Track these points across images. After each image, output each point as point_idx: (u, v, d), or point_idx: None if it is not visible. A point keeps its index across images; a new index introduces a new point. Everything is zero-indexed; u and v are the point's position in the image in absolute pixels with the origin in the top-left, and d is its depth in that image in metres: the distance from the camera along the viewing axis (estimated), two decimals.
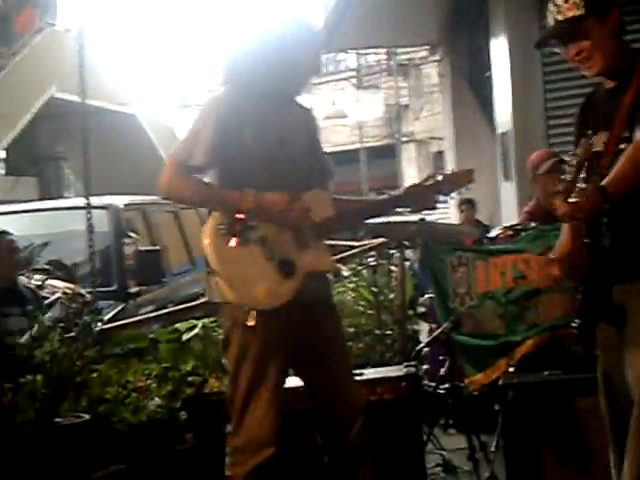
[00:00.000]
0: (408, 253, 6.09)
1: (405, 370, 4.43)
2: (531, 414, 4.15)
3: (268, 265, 3.25)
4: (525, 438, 4.14)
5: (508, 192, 8.59)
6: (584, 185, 2.85)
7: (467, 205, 8.98)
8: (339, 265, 6.41)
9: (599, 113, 3.21)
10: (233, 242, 3.22)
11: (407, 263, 6.02)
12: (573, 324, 3.12)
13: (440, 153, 14.79)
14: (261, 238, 3.28)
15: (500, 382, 4.39)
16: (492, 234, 5.66)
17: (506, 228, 5.31)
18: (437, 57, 10.47)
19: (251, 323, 3.20)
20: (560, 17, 3.13)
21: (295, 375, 3.59)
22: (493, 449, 4.79)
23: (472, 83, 9.77)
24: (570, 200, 2.84)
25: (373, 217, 3.88)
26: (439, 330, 4.76)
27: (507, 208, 8.62)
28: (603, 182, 2.87)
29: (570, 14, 3.10)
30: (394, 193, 3.79)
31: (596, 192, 2.85)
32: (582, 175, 2.86)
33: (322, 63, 3.62)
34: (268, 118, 3.37)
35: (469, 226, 8.44)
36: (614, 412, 3.15)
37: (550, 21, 3.19)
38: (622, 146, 3.00)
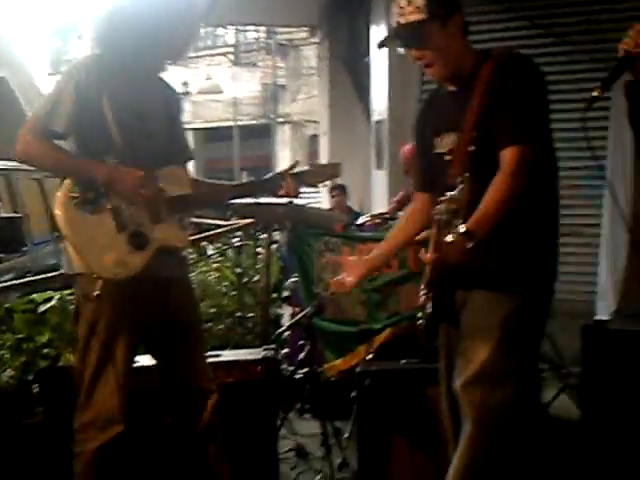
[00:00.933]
0: (275, 235, 6.05)
1: (263, 353, 4.40)
2: (385, 401, 4.19)
3: (119, 236, 3.22)
4: (378, 425, 4.19)
5: (380, 180, 8.64)
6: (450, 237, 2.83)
7: (338, 191, 8.98)
8: (204, 244, 6.35)
9: (443, 115, 3.22)
10: (85, 211, 3.17)
11: (274, 246, 5.98)
12: (418, 318, 3.14)
13: (315, 136, 14.78)
14: (115, 208, 3.23)
15: (358, 369, 4.40)
16: (360, 221, 5.68)
17: (374, 216, 5.35)
18: (317, 39, 10.42)
19: (97, 292, 3.15)
20: (402, 20, 3.09)
21: (147, 353, 3.58)
22: (347, 435, 4.83)
23: (350, 68, 9.78)
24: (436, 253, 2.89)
25: (235, 199, 3.83)
26: (301, 314, 4.73)
27: (378, 196, 8.68)
28: (468, 224, 2.85)
29: (412, 18, 3.06)
30: (258, 179, 3.74)
31: (462, 239, 2.82)
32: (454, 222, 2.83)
33: (198, 36, 3.57)
34: (130, 89, 3.30)
35: (339, 212, 8.47)
36: (454, 411, 3.21)
37: (393, 23, 3.16)
38: (471, 148, 3.02)
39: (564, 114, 7.45)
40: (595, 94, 2.66)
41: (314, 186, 3.68)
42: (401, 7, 3.09)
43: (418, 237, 3.36)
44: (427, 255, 2.93)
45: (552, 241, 3.22)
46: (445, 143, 3.18)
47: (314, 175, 3.62)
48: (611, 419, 4.51)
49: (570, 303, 7.14)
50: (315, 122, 16.26)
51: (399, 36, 3.16)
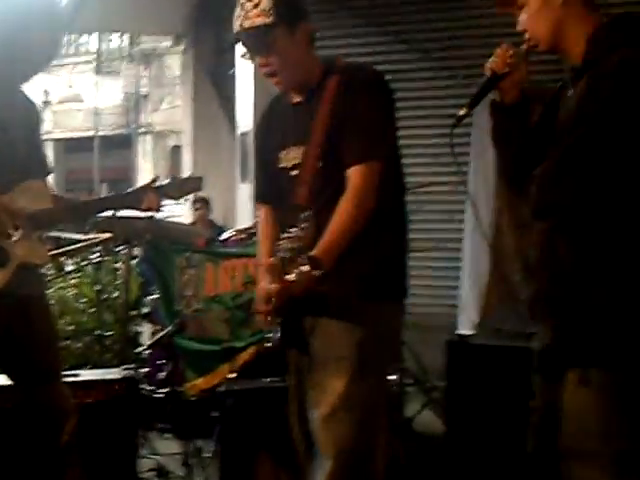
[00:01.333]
0: (135, 250, 5.91)
1: (122, 373, 4.31)
2: (248, 420, 4.16)
3: None
4: (241, 444, 4.15)
5: (244, 193, 8.56)
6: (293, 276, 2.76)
7: (201, 204, 8.89)
8: (62, 259, 6.18)
9: (288, 126, 3.11)
10: None
11: (134, 261, 5.83)
12: (267, 341, 3.08)
13: (178, 147, 14.63)
14: None
15: (220, 388, 4.36)
16: (224, 236, 5.61)
17: (239, 231, 5.28)
18: (181, 48, 10.31)
19: None
20: (247, 24, 2.93)
21: (2, 372, 3.49)
22: (208, 455, 4.75)
23: (215, 79, 9.70)
24: (285, 280, 2.77)
25: (95, 214, 3.72)
26: (162, 333, 4.63)
27: (243, 210, 8.60)
28: (316, 252, 2.78)
29: (258, 22, 2.91)
30: (119, 192, 3.68)
31: (307, 272, 2.75)
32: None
33: (61, 46, 3.44)
34: None
35: (202, 226, 8.38)
36: (306, 432, 3.15)
37: (237, 27, 2.97)
38: (318, 164, 2.96)
39: (426, 130, 7.62)
40: (462, 113, 2.64)
41: (176, 199, 3.59)
42: (246, 10, 2.94)
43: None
44: (272, 286, 2.82)
45: (401, 261, 3.17)
46: (291, 157, 3.07)
47: (176, 188, 3.54)
48: (475, 433, 4.57)
49: (433, 317, 7.27)
50: (178, 133, 16.10)
51: (243, 41, 3.01)
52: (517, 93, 2.67)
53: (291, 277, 2.72)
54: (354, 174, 2.92)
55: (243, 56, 3.11)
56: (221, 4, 9.00)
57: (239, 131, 8.82)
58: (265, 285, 2.90)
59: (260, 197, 3.32)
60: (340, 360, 2.97)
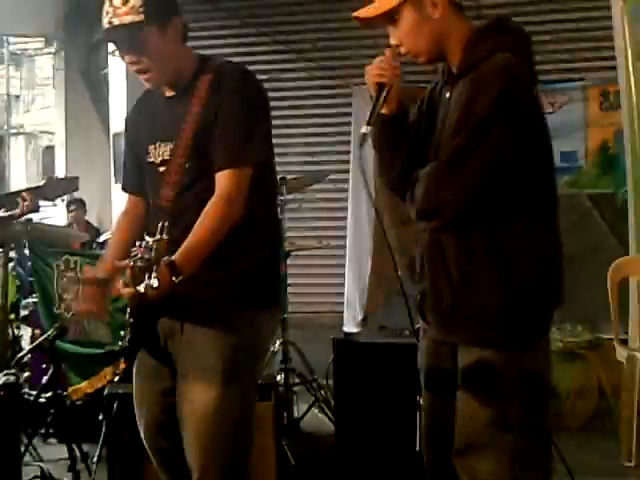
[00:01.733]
0: (12, 253, 5.81)
1: (3, 378, 4.21)
2: (134, 423, 4.09)
3: None
4: (128, 447, 4.03)
5: (119, 194, 8.46)
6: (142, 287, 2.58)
7: (77, 205, 8.75)
8: None
9: (158, 120, 3.06)
10: None
11: (11, 264, 5.74)
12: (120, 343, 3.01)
13: (51, 148, 14.37)
14: None
15: (105, 391, 4.30)
16: (102, 238, 5.56)
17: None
18: (53, 49, 10.14)
19: None
20: (116, 21, 2.83)
21: None
22: (95, 459, 4.72)
23: (88, 80, 9.58)
24: (140, 289, 2.56)
25: None
26: (42, 337, 4.56)
27: (118, 210, 8.49)
28: (177, 257, 2.67)
29: (127, 19, 2.82)
30: None
31: (166, 273, 2.60)
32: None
33: None
34: None
35: (78, 227, 8.27)
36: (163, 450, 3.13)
37: (105, 24, 2.87)
38: (187, 164, 2.92)
39: (304, 129, 7.71)
40: (365, 131, 2.66)
41: (51, 200, 3.54)
42: (115, 7, 2.84)
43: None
44: (124, 289, 2.64)
45: (272, 268, 3.10)
46: (159, 153, 3.00)
47: (51, 189, 3.50)
48: (363, 431, 4.61)
49: (320, 316, 7.34)
50: (50, 133, 15.81)
51: (112, 39, 2.91)
52: (398, 103, 2.74)
53: (140, 288, 2.55)
54: (223, 179, 2.86)
55: (112, 53, 2.98)
56: (91, 4, 8.90)
57: (112, 131, 8.74)
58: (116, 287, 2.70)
59: (127, 187, 3.26)
60: (206, 370, 2.89)
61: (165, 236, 2.52)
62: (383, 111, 2.72)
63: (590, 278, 5.72)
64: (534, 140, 2.60)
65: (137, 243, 2.55)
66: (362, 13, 2.77)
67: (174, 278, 2.63)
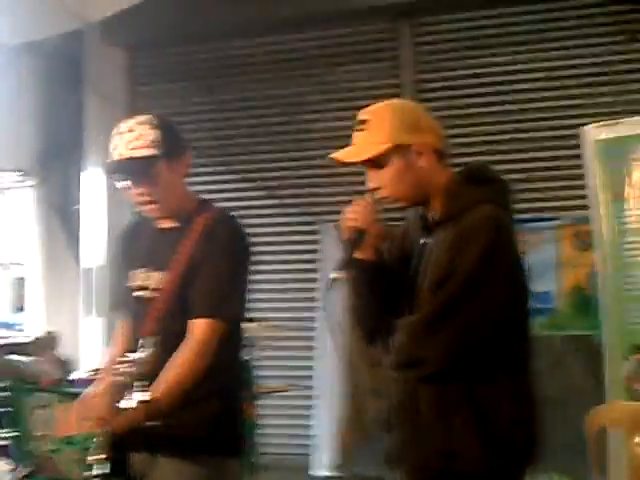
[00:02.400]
0: None
1: None
2: None
3: None
4: None
5: (89, 328, 8.53)
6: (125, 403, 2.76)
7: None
8: None
9: (148, 249, 3.15)
10: None
11: None
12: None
13: (21, 279, 14.34)
14: None
15: None
16: (74, 376, 5.57)
17: (88, 372, 5.24)
18: (28, 184, 10.28)
19: None
20: (128, 154, 3.00)
21: None
22: None
23: (61, 214, 9.69)
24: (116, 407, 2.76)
25: None
26: (16, 474, 4.55)
27: (87, 344, 8.53)
28: (155, 393, 2.82)
29: (141, 153, 2.99)
30: None
31: (142, 414, 2.80)
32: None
33: None
34: None
35: (49, 361, 8.24)
36: None
37: (116, 156, 3.03)
38: (172, 299, 2.99)
39: (270, 265, 7.79)
40: (335, 276, 2.68)
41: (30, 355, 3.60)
42: (127, 140, 2.99)
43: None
44: (95, 418, 2.80)
45: (234, 417, 3.15)
46: (141, 278, 3.10)
47: (37, 346, 3.56)
48: None
49: (287, 457, 7.21)
50: (21, 265, 15.77)
51: (122, 170, 3.04)
52: (374, 249, 2.75)
53: (122, 405, 2.70)
54: (197, 327, 2.94)
55: (115, 183, 3.10)
56: (67, 141, 9.13)
57: (83, 266, 8.84)
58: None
59: (113, 308, 3.38)
60: None
61: (146, 352, 2.69)
62: (359, 256, 2.72)
63: (567, 422, 5.59)
64: (517, 293, 2.62)
65: (120, 359, 2.71)
66: (344, 156, 2.76)
67: (150, 414, 2.75)
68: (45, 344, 3.63)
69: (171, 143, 3.06)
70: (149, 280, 3.07)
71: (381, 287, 2.76)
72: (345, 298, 2.79)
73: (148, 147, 3.00)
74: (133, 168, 3.01)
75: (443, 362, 2.55)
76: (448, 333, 2.51)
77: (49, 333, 3.91)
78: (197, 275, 2.99)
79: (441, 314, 2.53)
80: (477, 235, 2.54)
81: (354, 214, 2.72)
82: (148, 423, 2.86)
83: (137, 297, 3.11)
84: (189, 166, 3.15)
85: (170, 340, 2.95)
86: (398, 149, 2.68)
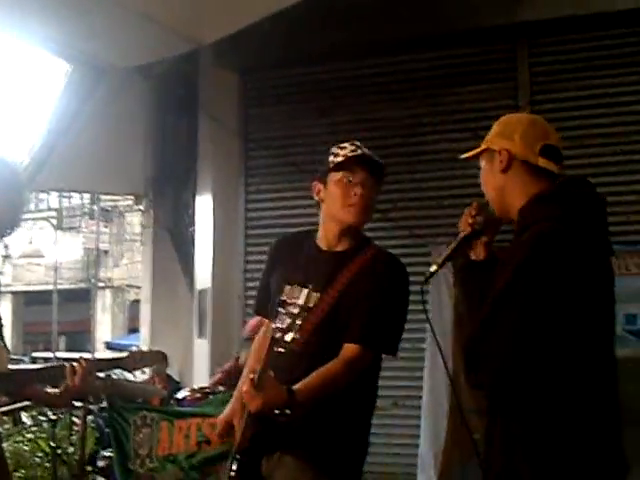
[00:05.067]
0: (91, 405, 5.88)
1: None
2: None
3: None
4: None
5: (201, 349, 8.58)
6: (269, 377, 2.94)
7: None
8: (20, 413, 6.11)
9: (305, 266, 3.30)
10: None
11: (90, 417, 5.79)
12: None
13: (137, 302, 14.64)
14: None
15: None
16: (180, 395, 5.59)
17: (194, 391, 5.28)
18: (141, 207, 10.47)
19: None
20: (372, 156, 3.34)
21: None
22: None
23: (175, 237, 9.82)
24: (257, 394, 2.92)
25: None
26: None
27: (199, 365, 8.59)
28: (297, 386, 2.97)
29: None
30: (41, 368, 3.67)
31: (284, 393, 2.93)
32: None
33: (23, 212, 3.52)
34: None
35: (159, 380, 8.33)
36: None
37: (359, 152, 3.35)
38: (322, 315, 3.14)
39: None
40: (433, 270, 2.77)
41: (130, 372, 3.63)
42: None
43: None
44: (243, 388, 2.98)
45: (364, 432, 3.32)
46: (295, 294, 3.25)
47: (134, 361, 3.58)
48: None
49: (392, 477, 7.19)
50: (137, 287, 16.11)
51: (373, 166, 3.34)
52: (487, 251, 2.76)
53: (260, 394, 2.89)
54: (350, 350, 3.11)
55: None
56: (179, 166, 9.25)
57: (197, 288, 8.90)
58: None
59: (260, 309, 3.52)
60: None
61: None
62: (472, 257, 2.77)
63: None
64: (563, 315, 2.44)
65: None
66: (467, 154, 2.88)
67: (288, 404, 2.92)
68: (140, 360, 3.59)
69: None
70: (309, 299, 3.22)
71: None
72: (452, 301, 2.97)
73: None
74: (377, 167, 3.33)
75: (494, 384, 2.49)
76: (488, 355, 2.43)
77: (150, 350, 3.91)
78: (355, 305, 3.15)
79: (480, 336, 2.48)
80: (514, 256, 2.49)
81: (463, 217, 2.79)
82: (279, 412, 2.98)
83: (281, 307, 3.28)
84: None
85: (313, 353, 3.12)
86: (487, 153, 2.75)
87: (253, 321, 5.62)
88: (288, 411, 2.95)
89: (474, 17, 7.54)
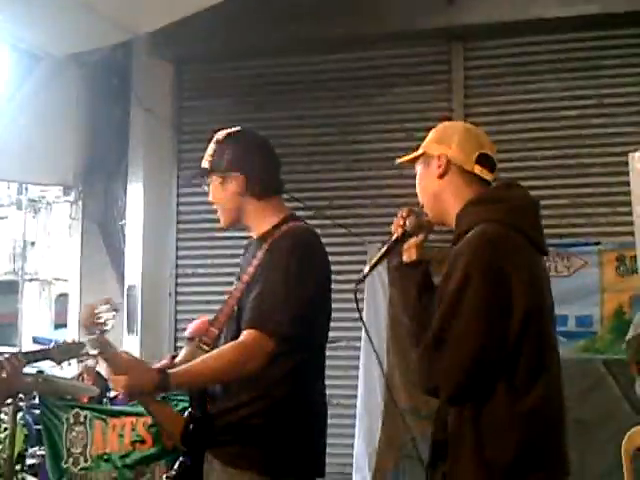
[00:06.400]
0: (21, 403, 5.76)
1: None
2: None
3: None
4: None
5: (131, 345, 8.49)
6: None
7: (88, 356, 8.70)
8: None
9: (243, 259, 3.32)
10: None
11: (20, 414, 5.68)
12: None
13: (64, 295, 14.43)
14: None
15: None
16: (113, 393, 5.53)
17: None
18: (70, 198, 10.30)
19: None
20: (203, 163, 3.30)
21: None
22: None
23: (104, 230, 9.66)
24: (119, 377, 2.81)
25: None
26: None
27: None
28: (175, 368, 2.91)
29: (204, 164, 3.29)
30: None
31: (152, 374, 2.84)
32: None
33: None
34: None
35: (89, 378, 8.21)
36: None
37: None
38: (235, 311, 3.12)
39: None
40: (366, 271, 2.84)
41: (57, 364, 3.59)
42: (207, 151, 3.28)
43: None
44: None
45: (294, 428, 3.13)
46: (233, 289, 3.22)
47: (60, 353, 3.55)
48: None
49: (327, 476, 7.17)
50: (64, 281, 15.87)
51: (199, 175, 3.35)
52: (416, 253, 2.81)
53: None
54: (242, 335, 3.00)
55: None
56: (111, 157, 9.12)
57: (127, 283, 8.80)
58: None
59: None
60: None
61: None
62: (404, 258, 2.82)
63: (602, 446, 5.60)
64: (513, 310, 2.53)
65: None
66: (403, 159, 2.93)
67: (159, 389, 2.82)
68: (68, 351, 3.57)
69: (218, 161, 3.25)
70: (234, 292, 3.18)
71: (424, 289, 2.79)
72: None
73: (207, 160, 3.29)
74: (199, 177, 3.34)
75: (451, 386, 2.54)
76: (445, 358, 2.51)
77: (73, 341, 3.87)
78: (254, 288, 3.07)
79: (436, 342, 2.54)
80: (460, 257, 2.56)
81: (400, 218, 2.82)
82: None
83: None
84: (244, 186, 3.24)
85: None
86: (424, 157, 2.83)
87: (198, 321, 5.60)
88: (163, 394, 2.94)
89: (410, 18, 7.62)
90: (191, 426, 3.08)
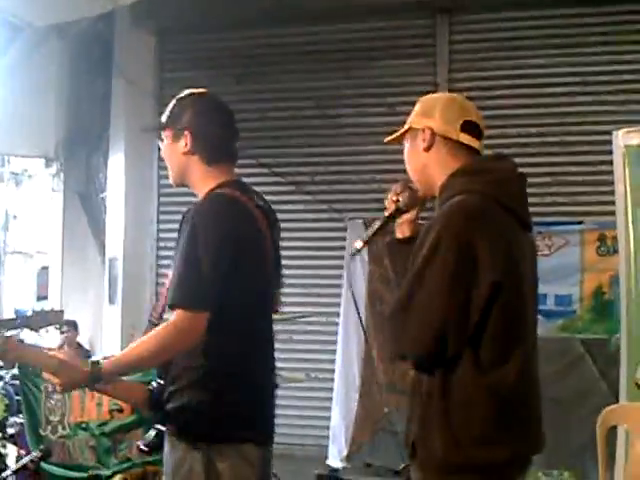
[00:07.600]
0: (0, 372, 5.77)
1: None
2: None
3: None
4: None
5: (112, 316, 8.49)
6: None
7: (69, 327, 8.71)
8: None
9: None
10: None
11: (0, 383, 5.69)
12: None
13: (46, 268, 14.39)
14: None
15: None
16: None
17: (106, 358, 5.22)
18: (52, 171, 10.25)
19: None
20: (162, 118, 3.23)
21: None
22: None
23: (85, 202, 9.64)
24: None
25: None
26: (27, 458, 4.51)
27: (110, 333, 8.50)
28: (107, 361, 2.93)
29: (162, 119, 3.23)
30: None
31: (83, 370, 2.87)
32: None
33: None
34: None
35: (70, 348, 8.22)
36: None
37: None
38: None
39: (298, 260, 7.71)
40: (359, 246, 2.80)
41: (36, 331, 3.58)
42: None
43: None
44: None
45: (235, 397, 3.00)
46: None
47: (37, 321, 3.54)
48: None
49: (304, 447, 7.22)
50: (45, 254, 15.81)
51: (157, 128, 3.28)
52: (409, 229, 2.82)
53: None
54: (174, 316, 2.91)
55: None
56: (91, 129, 9.07)
57: (108, 255, 8.78)
58: None
59: None
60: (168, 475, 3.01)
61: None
62: (398, 234, 2.84)
63: (579, 424, 5.64)
64: (479, 281, 2.51)
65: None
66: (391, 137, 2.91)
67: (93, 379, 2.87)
68: (46, 319, 3.58)
69: (174, 118, 3.19)
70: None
71: None
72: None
73: (165, 114, 3.23)
74: (160, 127, 3.24)
75: (419, 348, 2.54)
76: (411, 324, 2.51)
77: (52, 309, 3.89)
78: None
79: (402, 306, 2.54)
80: (434, 226, 2.55)
81: (393, 194, 2.82)
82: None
83: None
84: (193, 146, 3.14)
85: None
86: (410, 132, 2.81)
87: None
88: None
89: None
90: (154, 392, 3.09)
